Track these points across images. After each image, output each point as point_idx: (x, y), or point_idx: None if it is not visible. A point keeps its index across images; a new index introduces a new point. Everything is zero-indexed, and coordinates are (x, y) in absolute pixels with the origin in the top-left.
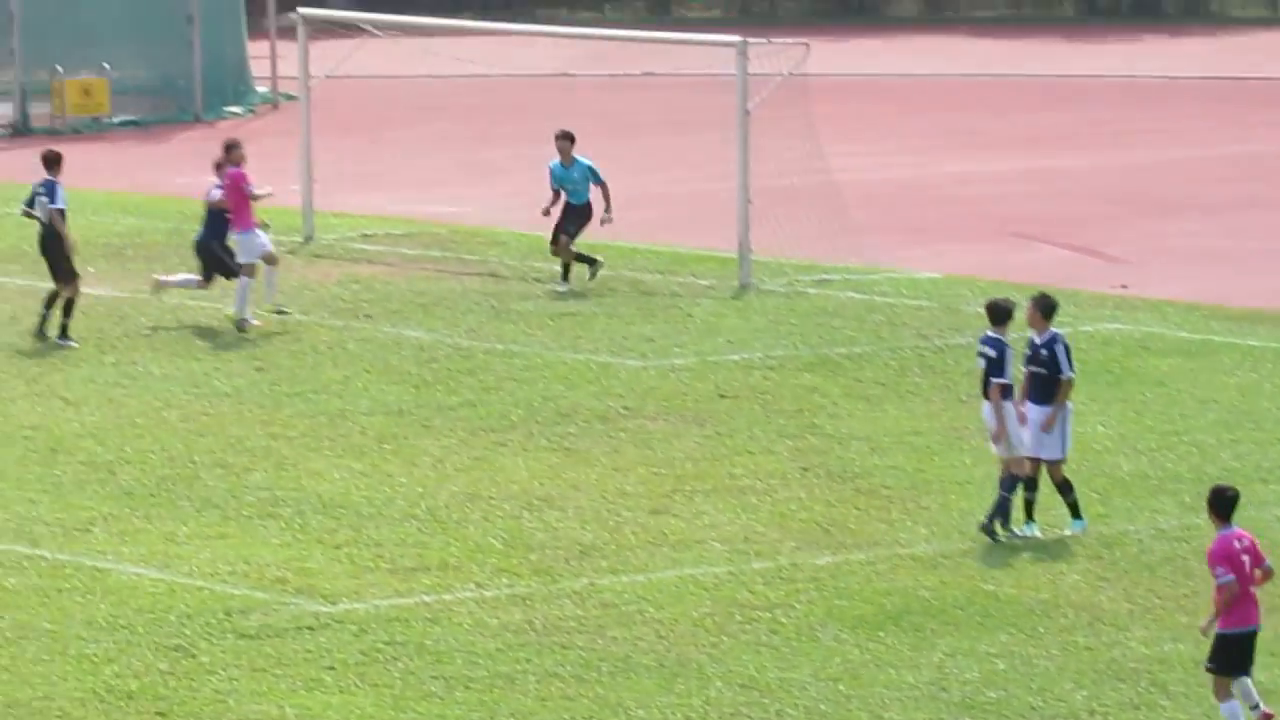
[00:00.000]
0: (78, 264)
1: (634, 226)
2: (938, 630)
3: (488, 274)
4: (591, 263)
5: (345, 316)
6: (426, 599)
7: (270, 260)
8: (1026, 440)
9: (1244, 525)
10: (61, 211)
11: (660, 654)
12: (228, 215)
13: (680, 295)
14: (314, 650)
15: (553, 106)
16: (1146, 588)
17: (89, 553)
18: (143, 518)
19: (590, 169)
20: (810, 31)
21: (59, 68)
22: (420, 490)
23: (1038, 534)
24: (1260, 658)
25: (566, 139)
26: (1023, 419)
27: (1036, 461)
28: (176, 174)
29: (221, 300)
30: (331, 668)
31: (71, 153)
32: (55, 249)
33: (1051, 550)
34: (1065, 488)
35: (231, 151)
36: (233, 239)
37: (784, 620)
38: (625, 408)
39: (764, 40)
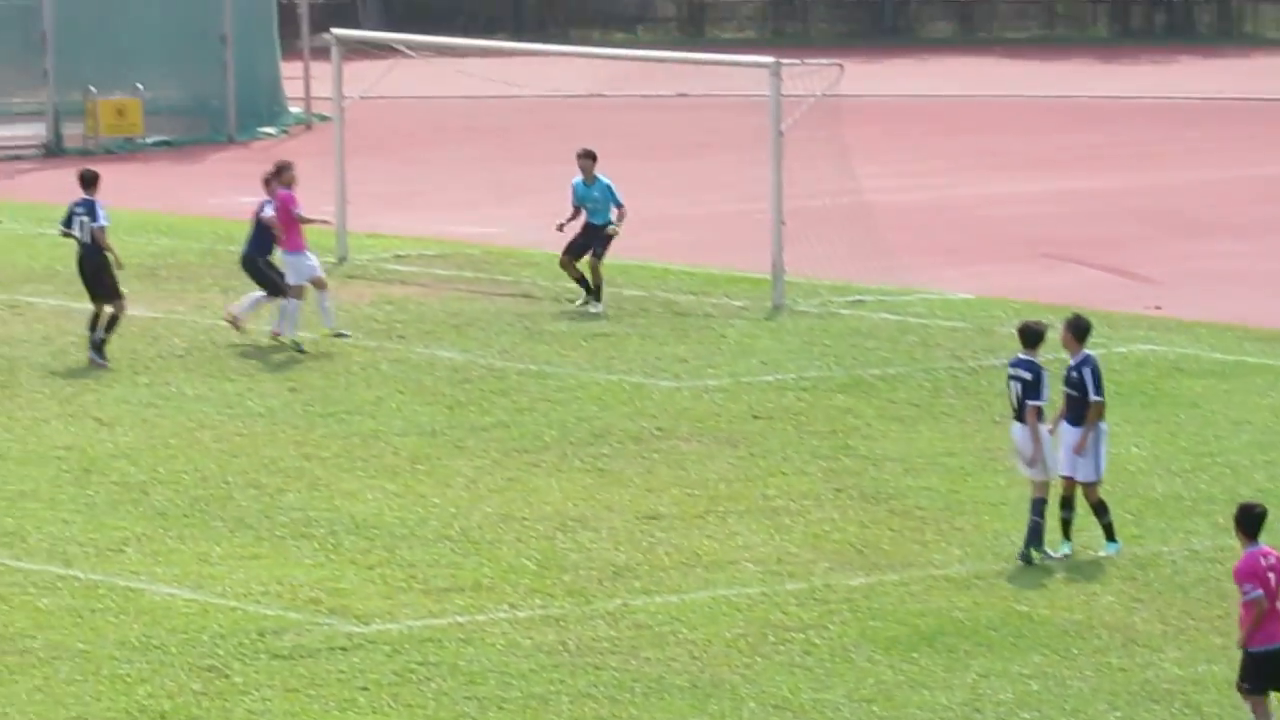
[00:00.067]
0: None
1: (667, 247)
2: (971, 651)
3: (521, 294)
4: (588, 290)
5: (379, 337)
6: (460, 620)
7: (319, 285)
8: (1061, 461)
9: (1274, 544)
10: (104, 229)
11: (694, 675)
12: (275, 233)
13: (714, 316)
14: (347, 671)
15: (586, 127)
16: (1180, 609)
17: (122, 573)
18: (176, 538)
19: (611, 189)
20: (843, 52)
21: (92, 88)
22: (454, 511)
23: (1067, 553)
24: None
25: (589, 157)
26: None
27: (1072, 481)
28: (210, 194)
29: (256, 320)
30: (365, 688)
31: (105, 173)
32: (98, 267)
33: (1085, 571)
34: (1100, 509)
35: (282, 173)
36: (281, 258)
37: (817, 641)
38: (659, 429)
39: (797, 61)
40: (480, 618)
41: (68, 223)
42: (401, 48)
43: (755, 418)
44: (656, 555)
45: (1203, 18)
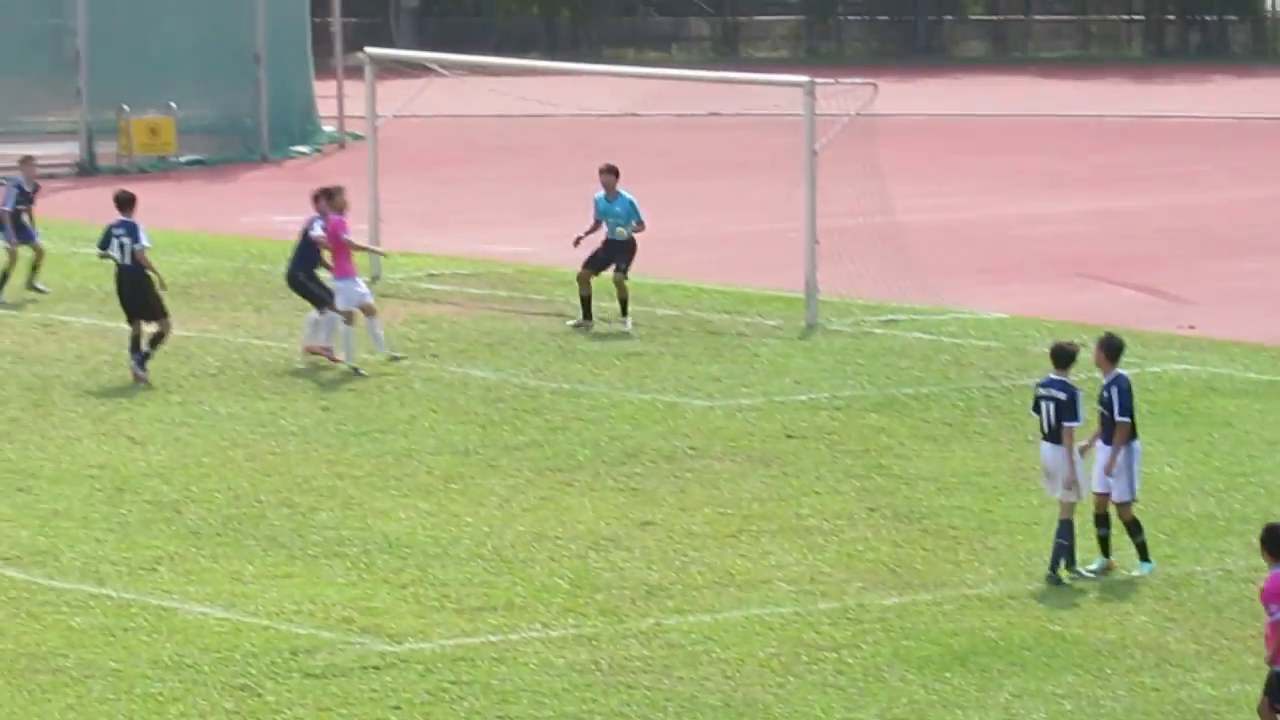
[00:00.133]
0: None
1: (701, 266)
2: (1004, 671)
3: (554, 313)
4: (586, 314)
5: (412, 356)
6: (492, 639)
7: (369, 311)
8: (1094, 479)
9: None
10: (146, 250)
11: (727, 694)
12: (323, 252)
13: (747, 335)
14: (380, 690)
15: (619, 146)
16: (1214, 629)
17: (155, 592)
18: (209, 557)
19: (633, 205)
20: (877, 72)
21: (126, 107)
22: (486, 530)
23: (1103, 564)
24: None
25: (611, 173)
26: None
27: (1104, 498)
28: (243, 213)
29: (288, 340)
30: (397, 707)
31: (138, 192)
32: (139, 288)
33: (1118, 591)
34: (1134, 528)
35: (334, 198)
36: (331, 282)
37: (850, 661)
38: (692, 448)
39: (831, 80)
40: (513, 637)
41: (105, 244)
42: (435, 67)
43: (788, 437)
44: (689, 574)
45: (1237, 37)
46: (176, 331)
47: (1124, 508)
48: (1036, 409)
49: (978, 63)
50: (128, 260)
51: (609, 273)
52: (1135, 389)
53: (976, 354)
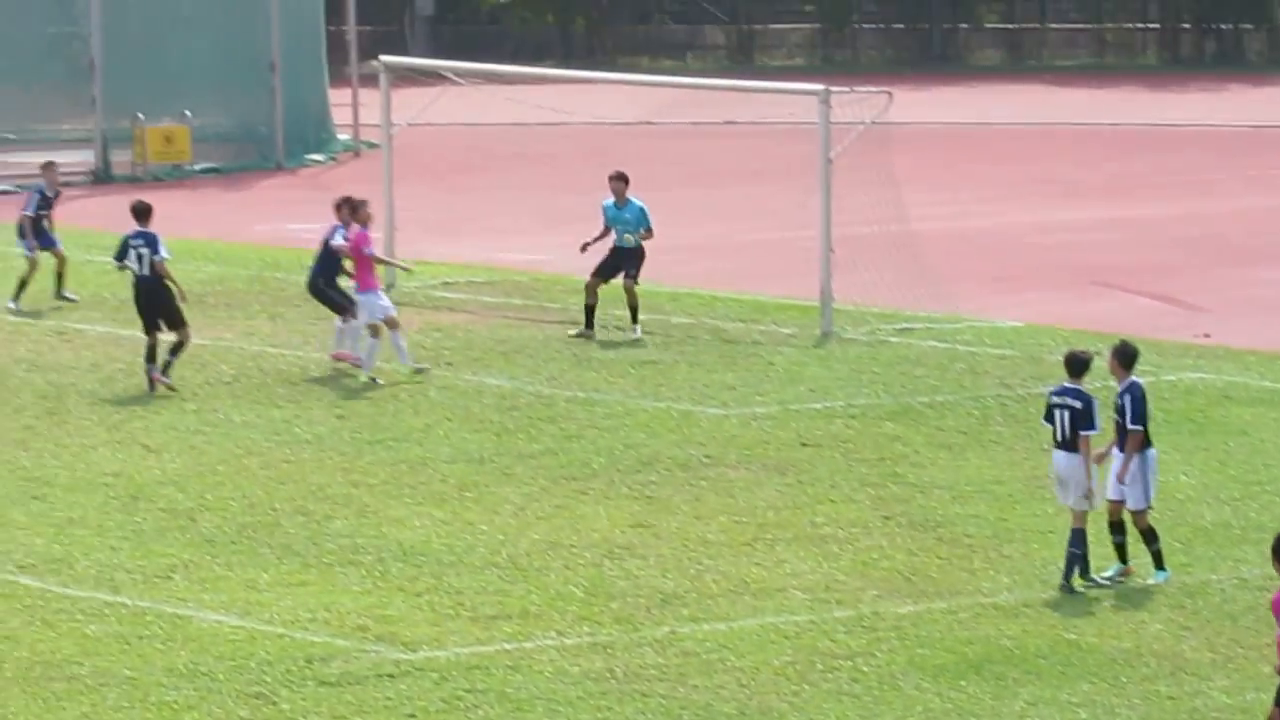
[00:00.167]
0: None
1: (715, 275)
2: (1020, 679)
3: (569, 321)
4: (589, 324)
5: (423, 361)
6: (507, 647)
7: (392, 324)
8: (1109, 486)
9: None
10: (165, 261)
11: (742, 702)
12: (343, 260)
13: (762, 343)
14: (395, 698)
15: (634, 154)
16: (1229, 637)
17: (170, 600)
18: (223, 565)
19: (643, 212)
20: (892, 80)
21: (140, 115)
22: (501, 538)
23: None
24: None
25: (620, 180)
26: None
27: (1118, 505)
28: (257, 221)
29: (302, 348)
30: (412, 715)
31: (153, 200)
32: (158, 299)
33: (1133, 599)
34: (1150, 536)
35: (358, 210)
36: (353, 292)
37: (865, 669)
38: (707, 456)
39: (846, 89)
40: (528, 645)
41: (122, 256)
42: (450, 75)
43: (803, 445)
44: (704, 583)
45: (1252, 46)
46: (191, 340)
47: (1139, 515)
48: (1049, 418)
49: (993, 71)
50: (146, 271)
51: (618, 280)
52: (1150, 397)
53: (991, 362)
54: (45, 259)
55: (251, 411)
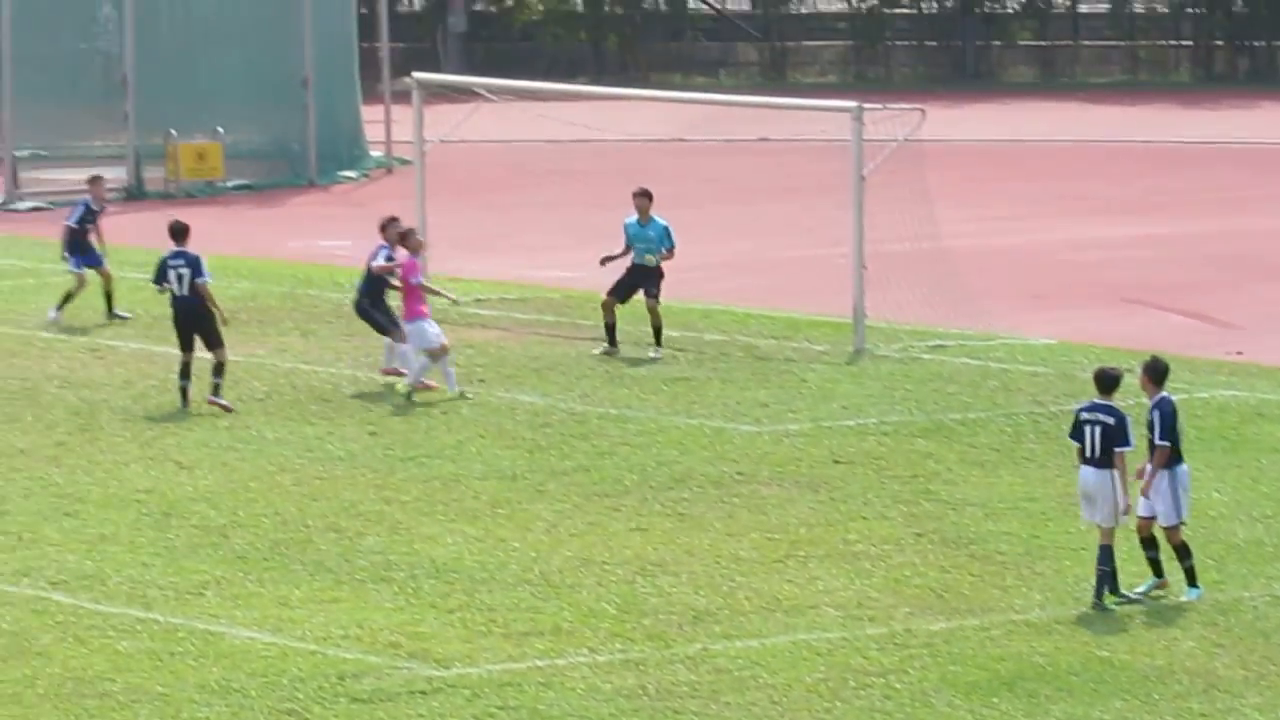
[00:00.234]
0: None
1: (748, 291)
2: (1052, 696)
3: (601, 338)
4: (612, 341)
5: (460, 381)
6: (539, 664)
7: (442, 351)
8: (1140, 503)
9: None
10: (207, 283)
11: None
12: (390, 281)
13: (795, 360)
14: (426, 714)
15: (667, 171)
16: (1262, 654)
17: (202, 616)
18: (256, 581)
19: (667, 231)
20: (925, 97)
21: (173, 131)
22: (534, 555)
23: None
24: None
25: (645, 196)
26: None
27: (1148, 522)
28: (290, 238)
29: (335, 364)
30: None
31: (185, 216)
32: (198, 319)
33: (1166, 616)
34: (1183, 553)
35: (407, 238)
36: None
37: (898, 686)
38: (739, 473)
39: (879, 106)
40: (560, 662)
41: (161, 277)
42: (482, 91)
43: (836, 462)
44: (737, 600)
45: None
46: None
47: (1172, 532)
48: (1077, 434)
49: (1026, 88)
50: (185, 291)
51: (637, 297)
52: (1182, 414)
53: (1024, 379)
54: (92, 277)
55: (284, 428)
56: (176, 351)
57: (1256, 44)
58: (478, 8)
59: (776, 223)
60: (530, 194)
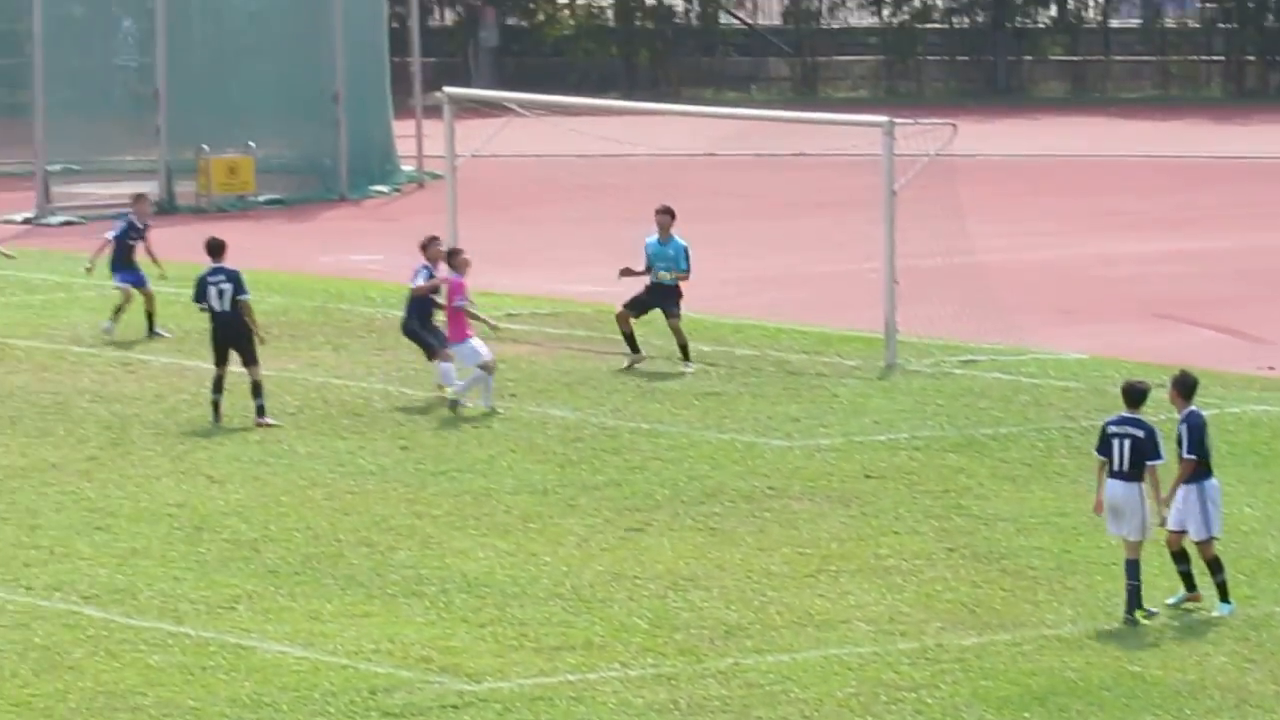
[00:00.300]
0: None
1: (780, 306)
2: (1083, 711)
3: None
4: (634, 349)
5: (491, 395)
6: (571, 678)
7: (488, 369)
8: (1170, 517)
9: None
10: (248, 301)
11: None
12: (434, 301)
13: (826, 375)
14: None
15: (698, 186)
16: None
17: (233, 630)
18: (287, 596)
19: (685, 252)
20: (957, 112)
21: (205, 146)
22: (565, 569)
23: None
24: None
25: (666, 214)
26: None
27: (1177, 535)
28: (321, 253)
29: (366, 379)
30: None
31: (216, 231)
32: (238, 334)
33: (1198, 631)
34: (1215, 568)
35: (454, 258)
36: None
37: (929, 701)
38: (770, 488)
39: (911, 121)
40: (592, 676)
41: (202, 295)
42: (514, 106)
43: (868, 477)
44: (768, 614)
45: None
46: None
47: (1204, 546)
48: (1105, 448)
49: (1057, 103)
50: (226, 307)
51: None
52: (1213, 429)
53: (1056, 394)
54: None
55: (315, 443)
56: (208, 366)
57: None
58: (509, 22)
59: (808, 238)
60: (561, 208)
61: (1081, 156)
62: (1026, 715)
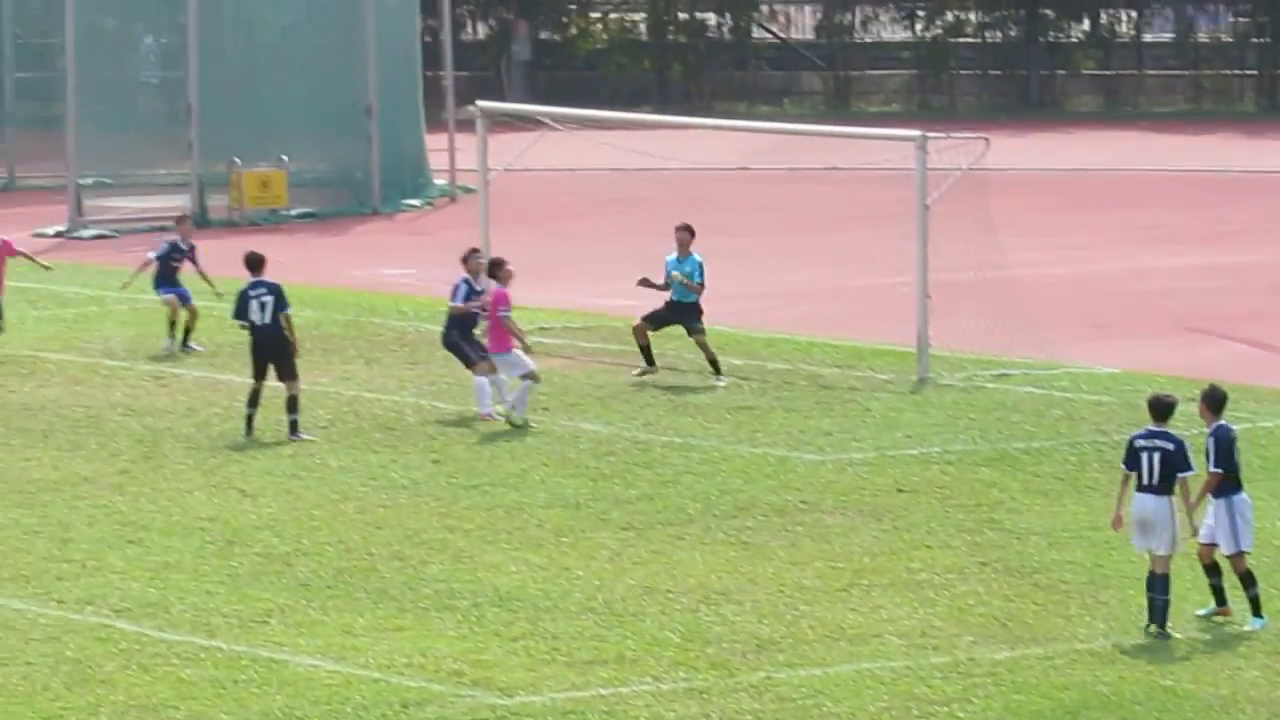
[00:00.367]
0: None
1: (812, 320)
2: None
3: (665, 367)
4: (649, 361)
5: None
6: (603, 692)
7: (533, 379)
8: (1202, 531)
9: None
10: (289, 315)
11: None
12: (477, 314)
13: (858, 389)
14: None
15: (730, 200)
16: None
17: (265, 644)
18: (319, 609)
19: (700, 267)
20: (989, 126)
21: (237, 160)
22: (597, 583)
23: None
24: None
25: (686, 231)
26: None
27: (1209, 549)
28: (354, 266)
29: (398, 393)
30: None
31: (249, 245)
32: (279, 348)
33: (1230, 646)
34: (1248, 582)
35: (498, 269)
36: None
37: (961, 715)
38: (803, 502)
39: (943, 135)
40: (624, 690)
41: (243, 312)
42: (546, 120)
43: (900, 491)
44: (800, 628)
45: None
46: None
47: (1236, 560)
48: (1133, 462)
49: (1089, 117)
50: (267, 320)
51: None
52: (1245, 444)
53: (1088, 409)
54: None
55: (348, 456)
56: (240, 379)
57: None
58: (542, 36)
59: (840, 251)
60: (594, 222)
61: (1114, 170)
62: None
